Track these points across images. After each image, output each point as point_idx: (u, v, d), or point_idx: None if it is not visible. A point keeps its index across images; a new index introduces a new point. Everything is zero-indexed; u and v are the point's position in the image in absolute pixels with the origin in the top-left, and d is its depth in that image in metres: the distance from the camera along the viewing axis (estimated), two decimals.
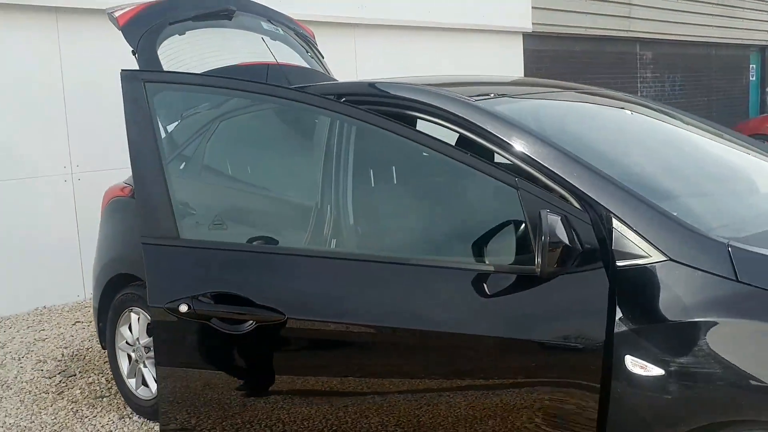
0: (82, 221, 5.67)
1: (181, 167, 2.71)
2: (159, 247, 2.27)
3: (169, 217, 2.28)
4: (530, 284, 2.10)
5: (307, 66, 4.32)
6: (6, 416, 3.63)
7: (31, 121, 5.46)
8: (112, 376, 3.82)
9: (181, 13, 3.94)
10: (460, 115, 2.52)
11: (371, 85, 2.92)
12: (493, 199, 2.29)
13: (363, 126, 2.45)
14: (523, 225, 2.10)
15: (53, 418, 3.60)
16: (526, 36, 9.49)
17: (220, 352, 2.32)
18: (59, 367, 4.26)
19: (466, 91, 2.85)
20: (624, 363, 2.00)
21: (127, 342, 3.59)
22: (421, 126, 3.00)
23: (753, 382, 1.83)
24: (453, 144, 2.89)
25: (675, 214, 2.21)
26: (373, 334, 2.24)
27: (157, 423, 2.97)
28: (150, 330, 3.40)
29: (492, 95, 2.80)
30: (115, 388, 3.85)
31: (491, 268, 2.15)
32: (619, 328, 2.03)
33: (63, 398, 3.82)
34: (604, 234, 2.11)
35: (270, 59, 4.04)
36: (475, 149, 2.50)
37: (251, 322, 2.23)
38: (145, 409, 3.50)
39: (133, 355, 3.57)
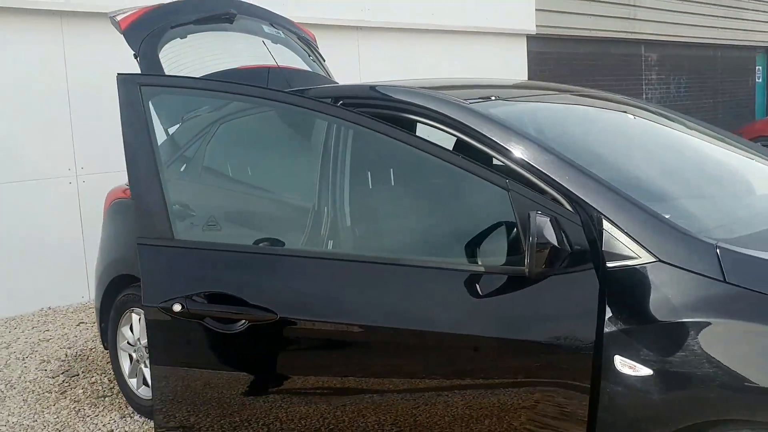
0: (86, 223, 5.72)
1: (177, 169, 2.75)
2: (154, 248, 2.31)
3: (164, 218, 2.32)
4: (521, 285, 2.12)
5: (308, 69, 4.36)
6: (9, 415, 3.67)
7: (36, 124, 5.52)
8: (114, 376, 3.86)
9: (183, 17, 3.98)
10: (454, 117, 2.55)
11: (368, 88, 2.95)
12: (486, 200, 2.31)
13: (357, 129, 2.48)
14: (515, 226, 2.12)
15: (56, 417, 3.64)
16: (530, 38, 9.50)
17: (214, 352, 2.35)
18: (62, 367, 4.31)
19: (462, 94, 2.88)
20: (613, 363, 2.02)
21: (128, 342, 3.63)
22: (418, 129, 3.05)
23: (740, 382, 1.84)
24: (450, 146, 2.94)
25: (668, 216, 2.23)
26: (366, 334, 2.26)
27: None
28: None
29: (493, 98, 2.83)
30: (117, 387, 3.90)
31: (482, 269, 2.17)
32: (609, 328, 2.05)
33: (66, 398, 3.87)
34: (595, 235, 2.13)
35: (271, 62, 4.08)
36: (470, 151, 2.53)
37: (244, 321, 2.27)
38: (146, 409, 3.54)
39: (134, 355, 3.61)
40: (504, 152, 2.38)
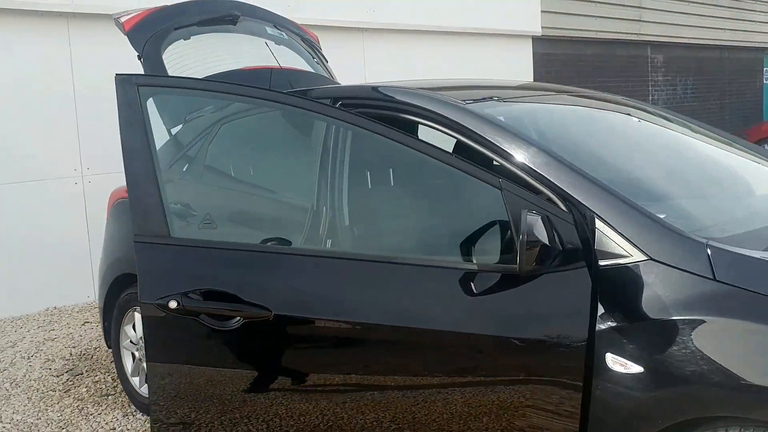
0: (92, 223, 5.77)
1: (175, 168, 2.78)
2: (150, 245, 2.34)
3: (161, 216, 2.35)
4: (514, 283, 2.14)
5: (311, 70, 4.39)
6: (14, 413, 3.71)
7: (42, 125, 5.57)
8: (117, 374, 3.89)
9: (187, 19, 4.01)
10: (451, 118, 2.57)
11: (367, 88, 2.98)
12: (481, 200, 2.33)
13: (353, 129, 2.50)
14: (509, 225, 2.14)
15: (59, 415, 3.68)
16: (536, 40, 9.51)
17: (210, 349, 2.38)
18: (67, 366, 4.35)
19: (460, 95, 2.91)
20: (605, 361, 2.04)
21: (131, 341, 3.67)
22: (419, 129, 3.07)
23: (731, 380, 1.85)
24: (450, 147, 2.96)
25: (663, 215, 2.25)
26: (361, 332, 2.29)
27: None
28: None
29: (494, 99, 2.86)
30: (120, 386, 3.93)
31: (476, 268, 2.19)
32: (601, 326, 2.06)
33: (69, 396, 3.90)
34: (588, 234, 2.14)
35: (273, 64, 4.11)
36: (467, 151, 2.55)
37: (239, 318, 2.30)
38: (148, 407, 3.56)
39: (137, 353, 3.64)
40: (499, 152, 2.40)
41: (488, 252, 2.22)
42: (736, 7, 13.09)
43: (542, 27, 9.41)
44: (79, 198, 5.78)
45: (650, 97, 11.73)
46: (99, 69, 5.66)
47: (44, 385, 4.06)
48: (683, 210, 2.52)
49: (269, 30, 4.42)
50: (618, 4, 10.67)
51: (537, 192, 2.27)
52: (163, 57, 3.83)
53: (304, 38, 4.64)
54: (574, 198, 2.19)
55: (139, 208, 2.36)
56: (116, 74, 2.43)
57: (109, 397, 3.88)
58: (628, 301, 2.05)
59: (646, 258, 2.05)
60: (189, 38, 4.06)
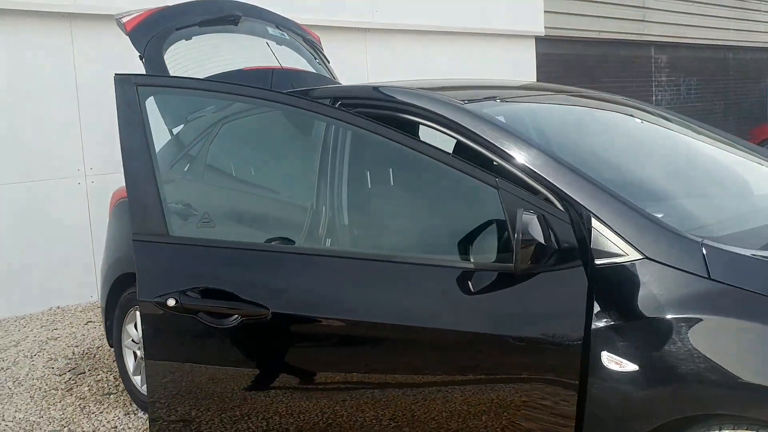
0: (95, 223, 5.80)
1: (174, 167, 2.80)
2: (149, 244, 2.36)
3: (159, 214, 2.37)
4: (511, 282, 2.15)
5: (312, 70, 4.40)
6: (16, 411, 3.73)
7: (46, 125, 5.60)
8: (119, 373, 3.91)
9: (188, 19, 4.03)
10: (450, 117, 2.58)
11: (367, 88, 2.99)
12: (479, 199, 2.34)
13: (351, 129, 2.52)
14: (506, 224, 2.15)
15: (61, 413, 3.70)
16: (539, 40, 9.51)
17: (207, 347, 2.39)
18: (69, 365, 4.37)
19: (460, 95, 2.92)
20: (600, 359, 2.05)
21: (132, 340, 3.68)
22: (415, 129, 3.08)
23: (725, 378, 1.86)
24: (451, 146, 2.97)
25: (661, 215, 2.26)
26: (358, 329, 2.30)
27: None
28: None
29: (494, 99, 2.87)
30: (122, 385, 3.95)
31: (473, 266, 2.20)
32: (597, 324, 2.07)
33: (72, 395, 3.92)
34: (584, 233, 2.15)
35: (275, 64, 4.13)
36: (467, 151, 2.56)
37: (237, 316, 2.31)
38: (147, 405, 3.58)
39: (138, 352, 3.66)
40: (497, 152, 2.42)
41: (485, 251, 2.22)
42: (740, 7, 13.06)
43: (545, 27, 9.41)
44: (82, 198, 5.81)
45: (654, 98, 11.71)
46: (102, 69, 5.69)
47: (47, 384, 4.09)
48: (681, 209, 2.53)
49: (271, 30, 4.44)
50: (621, 4, 10.66)
51: (535, 191, 2.28)
52: (165, 57, 3.84)
53: (305, 39, 4.65)
54: (571, 197, 2.20)
55: (138, 207, 2.38)
56: (115, 74, 2.45)
57: (111, 396, 3.90)
58: (623, 299, 2.06)
59: (641, 257, 2.06)
60: (190, 38, 4.08)
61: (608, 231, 2.12)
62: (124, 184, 4.00)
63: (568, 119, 3.09)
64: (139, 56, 3.80)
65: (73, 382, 4.11)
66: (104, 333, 4.09)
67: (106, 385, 4.03)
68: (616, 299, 2.07)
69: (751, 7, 13.42)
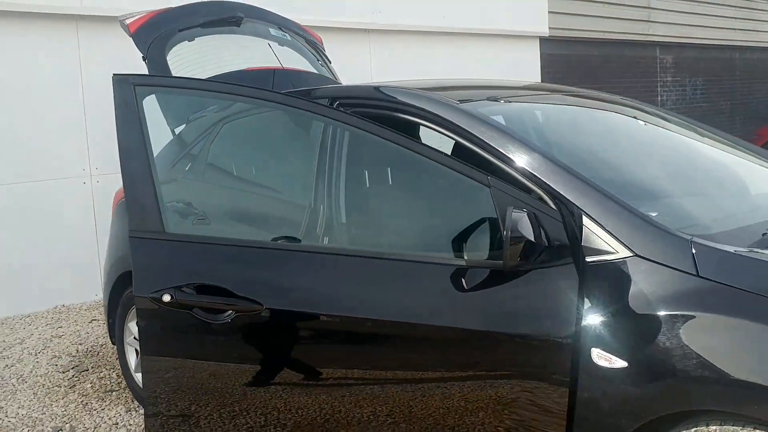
0: (100, 222, 5.85)
1: (171, 166, 2.84)
2: (146, 241, 2.40)
3: (156, 212, 2.40)
4: (504, 279, 2.18)
5: (313, 71, 4.43)
6: (19, 408, 3.78)
7: (52, 125, 5.65)
8: (121, 370, 3.96)
9: (191, 20, 4.07)
10: (445, 117, 2.60)
11: (367, 88, 3.02)
12: (473, 197, 2.37)
13: (347, 128, 2.55)
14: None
15: (63, 410, 3.74)
16: (543, 40, 9.52)
17: (202, 342, 2.43)
18: (73, 363, 4.41)
19: (458, 95, 2.94)
20: (590, 356, 2.07)
21: (134, 337, 3.72)
22: (412, 128, 3.11)
23: (713, 374, 1.88)
24: (450, 145, 3.00)
25: (655, 213, 2.28)
26: (351, 325, 2.33)
27: None
28: None
29: (490, 99, 2.90)
30: (124, 382, 3.99)
31: (465, 264, 2.22)
32: (587, 321, 2.09)
33: (74, 392, 3.97)
34: (575, 231, 2.17)
35: (276, 64, 4.16)
36: (463, 150, 2.59)
37: (231, 312, 2.34)
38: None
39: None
40: (491, 151, 2.44)
41: (479, 248, 2.25)
42: (746, 6, 13.03)
43: (549, 27, 9.42)
44: (87, 197, 5.86)
45: (659, 98, 11.70)
46: (107, 70, 5.70)
47: (50, 381, 4.13)
48: (674, 207, 2.55)
49: (273, 31, 4.48)
50: (626, 4, 10.66)
51: (528, 190, 2.30)
52: (168, 58, 3.89)
53: (307, 40, 4.69)
54: (562, 195, 2.22)
55: (135, 205, 2.41)
56: (113, 74, 2.49)
57: (113, 392, 3.94)
58: (613, 296, 2.08)
59: (631, 254, 2.08)
60: (193, 39, 4.12)
61: (599, 228, 2.14)
62: None
63: (565, 119, 3.11)
64: (143, 57, 3.85)
65: (76, 379, 4.15)
66: (107, 331, 4.13)
67: (108, 382, 4.07)
68: (606, 296, 2.09)
69: (758, 7, 13.39)
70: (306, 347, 2.39)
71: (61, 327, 5.18)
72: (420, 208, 2.56)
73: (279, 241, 2.54)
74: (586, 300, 2.11)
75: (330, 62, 4.75)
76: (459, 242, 2.30)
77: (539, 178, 2.29)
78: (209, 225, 2.51)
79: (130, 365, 3.77)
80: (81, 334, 4.98)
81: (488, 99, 2.92)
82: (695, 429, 1.91)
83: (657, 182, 2.71)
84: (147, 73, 3.76)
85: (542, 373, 2.14)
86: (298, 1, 6.61)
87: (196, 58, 4.10)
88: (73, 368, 4.31)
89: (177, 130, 3.28)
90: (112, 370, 4.24)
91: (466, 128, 2.52)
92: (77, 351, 4.63)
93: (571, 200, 2.20)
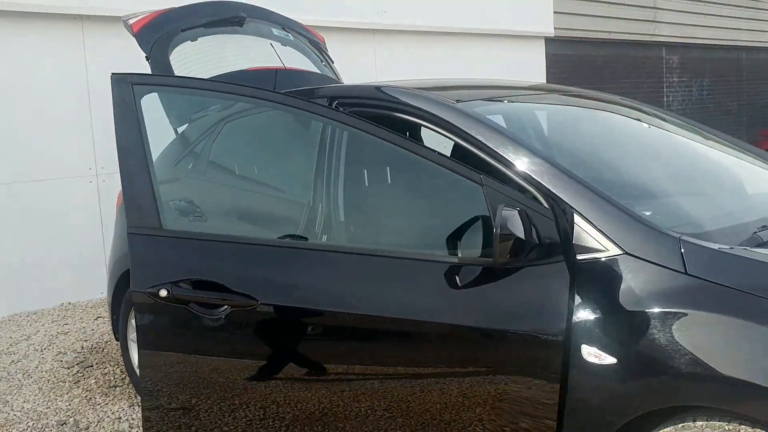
0: (106, 221, 5.91)
1: (168, 164, 2.88)
2: (143, 237, 2.44)
3: (153, 209, 2.44)
4: (496, 276, 2.20)
5: (315, 71, 4.47)
6: (24, 402, 3.83)
7: (58, 125, 5.71)
8: (125, 366, 4.01)
9: (194, 20, 4.11)
10: (441, 116, 2.64)
11: (367, 88, 3.06)
12: (468, 195, 2.39)
13: (343, 128, 2.58)
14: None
15: (67, 404, 3.79)
16: (549, 41, 9.53)
17: (199, 336, 2.47)
18: (78, 359, 4.47)
19: (456, 94, 2.98)
20: (580, 352, 2.09)
21: None
22: (409, 127, 3.14)
23: (699, 371, 1.90)
24: (450, 145, 3.03)
25: (649, 212, 2.30)
26: (340, 320, 2.37)
27: None
28: None
29: (506, 101, 2.94)
30: (128, 378, 4.04)
31: (457, 261, 2.26)
32: (577, 318, 2.11)
33: (79, 387, 4.02)
34: (567, 229, 2.20)
35: (278, 64, 4.20)
36: (460, 149, 2.62)
37: (226, 307, 2.39)
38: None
39: None
40: (486, 150, 2.46)
41: (472, 246, 2.28)
42: (753, 6, 12.99)
43: (555, 28, 9.44)
44: (93, 196, 5.92)
45: (665, 99, 11.69)
46: (112, 69, 5.77)
47: (55, 377, 4.18)
48: (668, 206, 2.57)
49: (275, 31, 4.51)
50: (631, 4, 10.65)
51: (521, 189, 2.33)
52: (171, 58, 3.93)
53: (310, 40, 4.72)
54: (554, 194, 2.25)
55: (133, 202, 2.46)
56: (112, 73, 2.54)
57: (117, 388, 3.99)
58: (603, 294, 2.10)
59: (621, 252, 2.11)
60: (196, 39, 4.16)
61: (590, 227, 2.17)
62: None
63: (562, 118, 3.14)
64: (146, 57, 3.89)
65: (80, 374, 4.20)
66: (111, 327, 4.18)
67: (112, 378, 4.13)
68: (597, 294, 2.12)
69: (764, 7, 13.35)
70: (300, 343, 2.42)
71: (66, 324, 5.24)
72: (416, 207, 2.59)
73: (276, 239, 2.57)
74: (577, 297, 2.13)
75: (333, 62, 4.79)
76: (454, 240, 2.33)
77: (532, 177, 2.32)
78: (206, 222, 2.55)
79: (133, 361, 3.82)
80: (86, 331, 5.03)
81: (486, 99, 2.95)
82: (682, 425, 1.94)
83: (652, 181, 2.74)
84: (150, 72, 3.81)
85: (534, 370, 2.16)
86: (303, 2, 6.65)
87: (199, 57, 4.14)
88: (77, 364, 4.36)
89: (180, 129, 3.33)
90: (116, 366, 4.29)
91: (462, 127, 2.55)
92: (82, 347, 4.68)
93: (563, 198, 2.23)
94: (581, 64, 10.18)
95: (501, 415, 2.23)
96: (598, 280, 2.13)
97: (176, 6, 4.17)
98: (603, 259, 2.13)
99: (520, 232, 2.05)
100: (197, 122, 3.29)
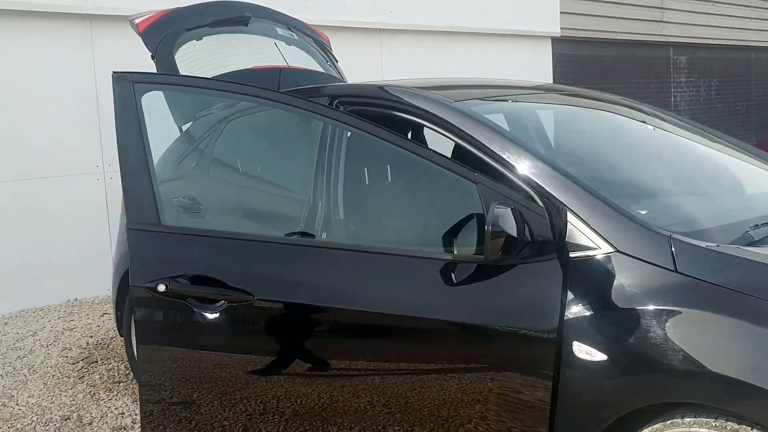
0: (112, 218, 5.96)
1: (170, 161, 2.92)
2: (142, 232, 2.48)
3: (152, 204, 2.48)
4: (491, 274, 2.23)
5: (320, 70, 4.50)
6: (29, 397, 3.88)
7: (66, 123, 5.77)
8: (128, 361, 4.05)
9: (199, 20, 4.15)
10: (438, 115, 2.67)
11: (364, 86, 3.09)
12: (463, 193, 2.42)
13: (342, 127, 2.62)
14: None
15: (72, 399, 3.84)
16: (555, 41, 9.53)
17: (196, 331, 2.50)
18: (83, 354, 4.52)
19: (455, 94, 3.00)
20: (572, 349, 2.12)
21: None
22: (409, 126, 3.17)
23: (689, 368, 1.92)
24: (450, 144, 3.06)
25: (645, 211, 2.32)
26: (334, 316, 2.40)
27: None
28: None
29: (509, 101, 2.97)
30: (132, 374, 4.08)
31: (451, 258, 2.28)
32: (569, 315, 2.14)
33: (83, 382, 4.07)
34: (561, 227, 2.23)
35: (283, 63, 4.24)
36: (458, 148, 2.65)
37: (223, 302, 2.42)
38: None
39: None
40: (483, 149, 2.49)
41: (467, 243, 2.31)
42: (761, 6, 12.94)
43: (562, 28, 9.43)
44: (100, 194, 5.98)
45: (672, 99, 11.66)
46: (120, 68, 5.82)
47: (60, 372, 4.23)
48: (665, 204, 2.59)
49: (280, 31, 4.55)
50: (639, 4, 10.63)
51: (516, 187, 2.35)
52: (176, 57, 3.97)
53: (315, 39, 4.76)
54: (548, 192, 2.27)
55: (132, 198, 2.50)
56: (113, 72, 2.58)
57: (121, 383, 4.03)
58: (595, 291, 2.13)
59: (613, 250, 2.13)
60: (201, 39, 4.20)
61: (583, 225, 2.19)
62: None
63: (562, 118, 3.16)
64: (151, 56, 3.93)
65: (85, 370, 4.25)
66: (116, 323, 4.23)
67: (116, 374, 4.17)
68: (588, 291, 2.14)
69: None
70: (297, 339, 2.45)
71: (72, 320, 5.29)
72: (413, 205, 2.62)
73: (276, 236, 2.61)
74: (569, 294, 2.16)
75: (337, 61, 4.82)
76: (450, 237, 2.36)
77: (526, 176, 2.35)
78: (205, 218, 2.58)
79: (136, 356, 3.85)
80: (92, 327, 5.09)
81: (485, 98, 2.97)
82: (671, 421, 1.96)
83: (649, 180, 2.76)
84: (155, 71, 3.85)
85: (527, 366, 2.18)
86: (308, 1, 6.69)
87: (204, 57, 4.18)
88: (82, 360, 4.41)
89: (184, 128, 3.37)
90: (120, 362, 4.34)
91: (459, 126, 2.58)
92: (87, 343, 4.73)
93: (557, 197, 2.26)
94: (588, 65, 10.18)
95: (495, 411, 2.25)
96: (591, 277, 2.15)
97: (182, 6, 4.21)
98: (595, 257, 2.16)
99: (511, 230, 2.08)
100: (201, 120, 3.33)
